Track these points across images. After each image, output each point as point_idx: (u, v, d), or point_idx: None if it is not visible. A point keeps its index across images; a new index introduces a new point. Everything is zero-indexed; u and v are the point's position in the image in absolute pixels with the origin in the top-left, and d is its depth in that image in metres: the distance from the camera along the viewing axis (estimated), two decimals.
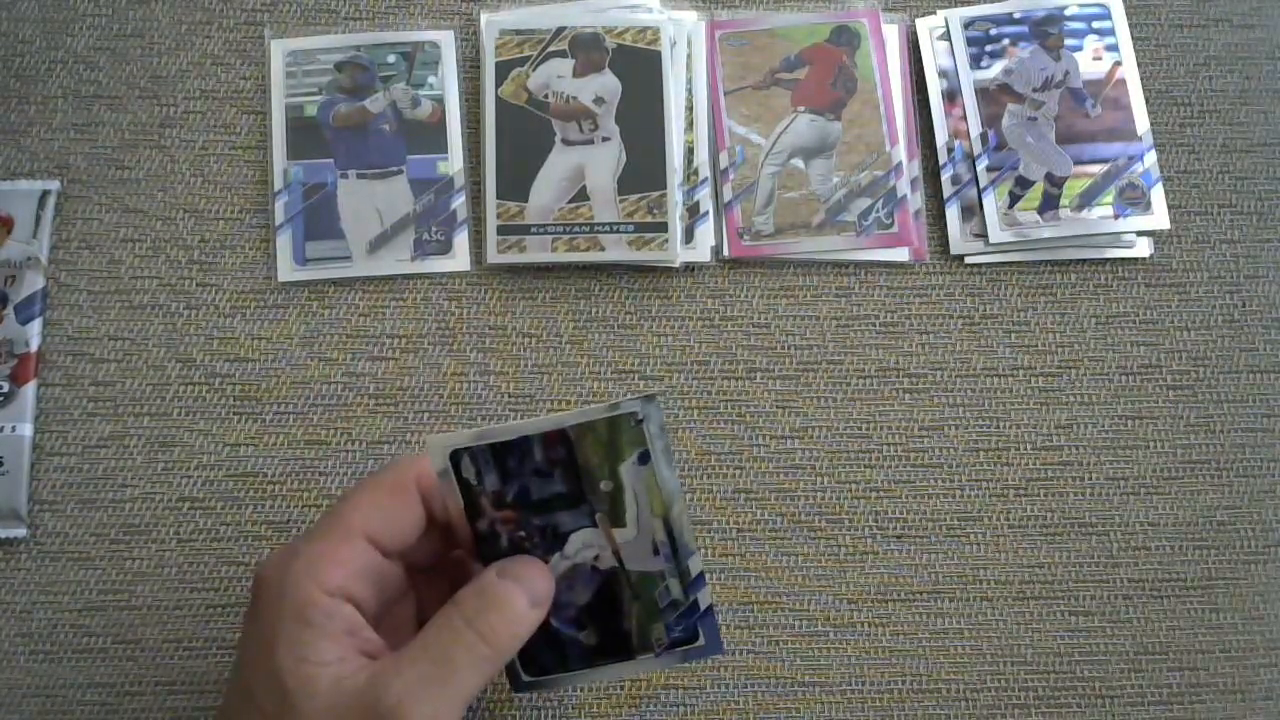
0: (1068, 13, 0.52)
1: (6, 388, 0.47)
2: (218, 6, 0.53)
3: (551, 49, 0.51)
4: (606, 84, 0.50)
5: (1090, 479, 0.48)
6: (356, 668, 0.30)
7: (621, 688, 0.45)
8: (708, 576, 0.39)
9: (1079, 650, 0.46)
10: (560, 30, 0.51)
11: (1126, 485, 0.48)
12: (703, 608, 0.36)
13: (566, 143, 0.50)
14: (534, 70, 0.51)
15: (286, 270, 0.49)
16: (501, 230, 0.49)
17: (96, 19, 0.53)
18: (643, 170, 0.50)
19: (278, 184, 0.50)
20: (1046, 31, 0.52)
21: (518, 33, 0.51)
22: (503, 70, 0.51)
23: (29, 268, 0.48)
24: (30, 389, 0.47)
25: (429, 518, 0.34)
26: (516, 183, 0.49)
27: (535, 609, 0.33)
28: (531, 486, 0.34)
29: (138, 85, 0.52)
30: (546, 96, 0.50)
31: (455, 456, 0.33)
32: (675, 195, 0.49)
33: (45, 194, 0.50)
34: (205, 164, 0.51)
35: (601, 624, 0.36)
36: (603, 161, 0.50)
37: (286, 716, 0.29)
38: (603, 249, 0.49)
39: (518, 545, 0.34)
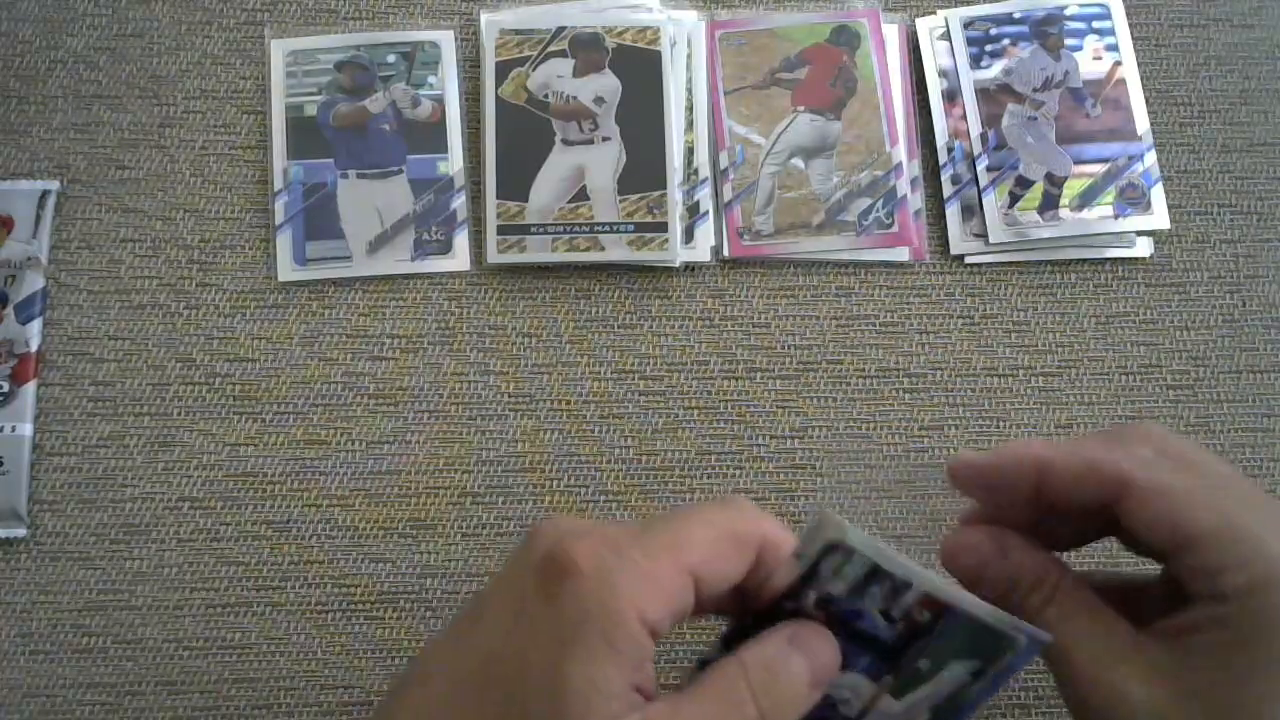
0: (1068, 12, 0.52)
1: (6, 388, 0.47)
2: (218, 6, 0.53)
3: (551, 49, 0.51)
4: (606, 84, 0.50)
5: None
6: (629, 706, 0.27)
7: None
8: None
9: None
10: (560, 30, 0.51)
11: None
12: None
13: (566, 143, 0.50)
14: (534, 70, 0.51)
15: (286, 270, 0.49)
16: (501, 230, 0.49)
17: (96, 19, 0.53)
18: (643, 170, 0.50)
19: (278, 184, 0.50)
20: (1046, 31, 0.52)
21: (518, 33, 0.51)
22: (503, 70, 0.51)
23: (29, 268, 0.48)
24: (30, 389, 0.47)
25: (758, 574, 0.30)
26: (516, 183, 0.49)
27: (815, 690, 0.29)
28: (866, 618, 0.30)
29: (138, 85, 0.52)
30: (546, 96, 0.50)
31: (830, 545, 0.29)
32: (675, 195, 0.49)
33: (45, 194, 0.50)
34: (205, 164, 0.51)
35: None
36: (603, 161, 0.50)
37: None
38: (603, 249, 0.49)
39: None
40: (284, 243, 0.49)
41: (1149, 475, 0.30)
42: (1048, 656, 0.32)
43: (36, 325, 0.48)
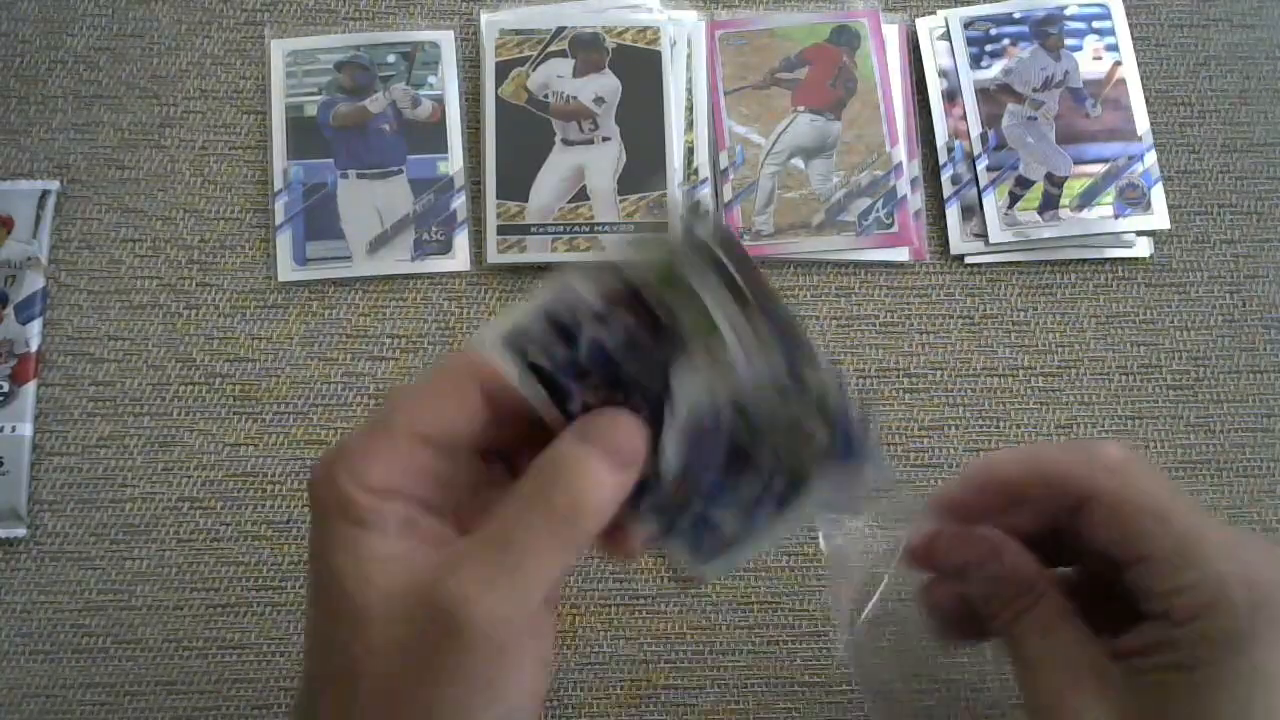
0: (1068, 12, 0.52)
1: (6, 388, 0.47)
2: (218, 6, 0.53)
3: (551, 49, 0.51)
4: (606, 84, 0.50)
5: None
6: (421, 561, 0.28)
7: (621, 688, 0.45)
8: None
9: None
10: (560, 30, 0.51)
11: None
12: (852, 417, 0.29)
13: (566, 143, 0.50)
14: (534, 70, 0.51)
15: (286, 270, 0.49)
16: (501, 230, 0.49)
17: (96, 19, 0.53)
18: (643, 170, 0.49)
19: (278, 184, 0.50)
20: (1046, 31, 0.52)
21: (518, 33, 0.51)
22: (503, 70, 0.51)
23: (29, 268, 0.48)
24: (30, 389, 0.47)
25: (499, 408, 0.30)
26: (516, 183, 0.49)
27: (623, 472, 0.28)
28: (607, 343, 0.28)
29: (138, 85, 0.52)
30: (546, 96, 0.50)
31: (518, 346, 0.28)
32: (675, 195, 0.49)
33: (45, 194, 0.50)
34: (205, 164, 0.51)
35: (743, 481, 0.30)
36: (603, 161, 0.50)
37: (349, 615, 0.27)
38: (603, 249, 0.49)
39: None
40: (284, 243, 0.49)
41: (1113, 486, 0.31)
42: (1015, 663, 0.32)
43: (36, 325, 0.48)
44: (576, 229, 0.49)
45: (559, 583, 0.30)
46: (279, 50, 0.52)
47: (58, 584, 0.46)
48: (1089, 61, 0.52)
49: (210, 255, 0.50)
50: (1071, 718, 0.30)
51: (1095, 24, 0.52)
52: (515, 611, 0.26)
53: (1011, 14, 0.53)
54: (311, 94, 0.51)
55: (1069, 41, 0.52)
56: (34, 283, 0.48)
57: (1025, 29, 0.52)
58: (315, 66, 0.51)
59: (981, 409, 0.49)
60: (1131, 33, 0.52)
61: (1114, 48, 0.52)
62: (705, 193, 0.50)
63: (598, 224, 0.49)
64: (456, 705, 0.27)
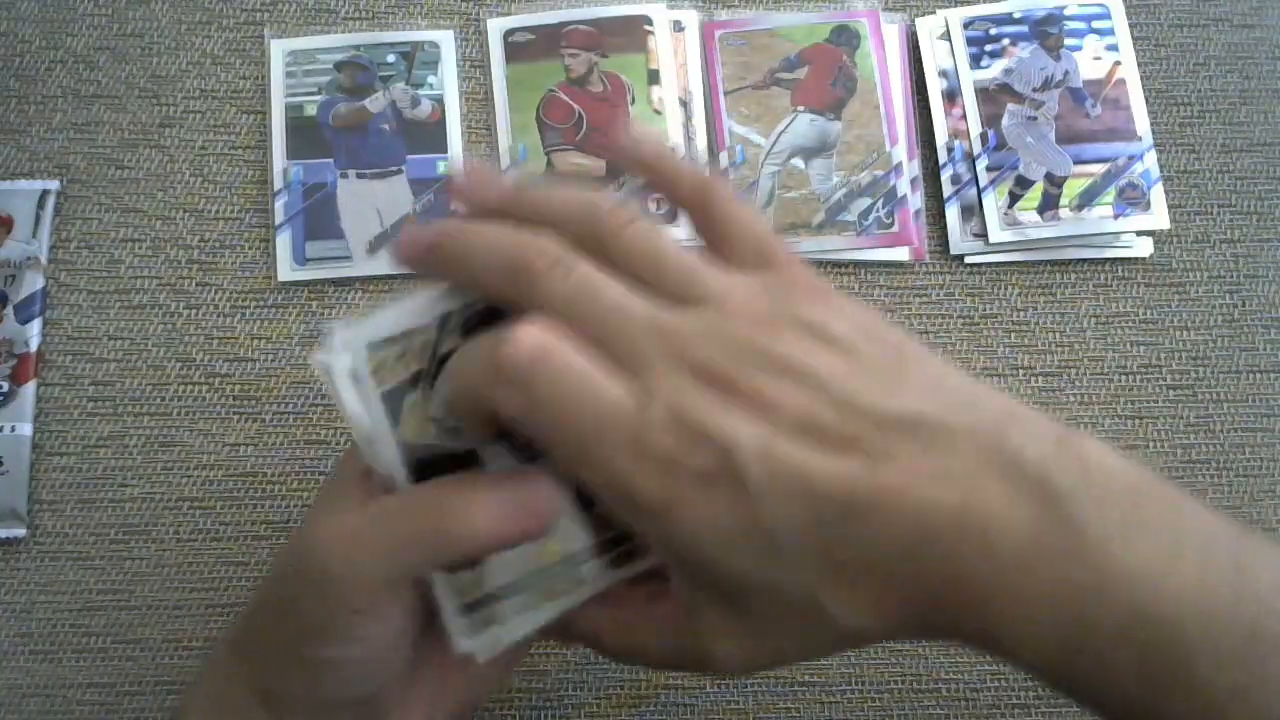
0: (1068, 12, 0.52)
1: (6, 388, 0.47)
2: (218, 6, 0.53)
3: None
4: None
5: None
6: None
7: (621, 687, 0.45)
8: None
9: None
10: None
11: None
12: None
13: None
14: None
15: (286, 270, 0.49)
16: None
17: (96, 19, 0.53)
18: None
19: (278, 184, 0.50)
20: (1046, 31, 0.52)
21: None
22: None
23: (29, 268, 0.48)
24: (30, 389, 0.47)
25: None
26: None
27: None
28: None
29: (138, 85, 0.52)
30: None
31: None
32: None
33: (45, 194, 0.50)
34: (205, 164, 0.51)
35: None
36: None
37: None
38: None
39: None
40: (284, 243, 0.49)
41: None
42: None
43: (36, 325, 0.48)
44: None
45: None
46: (279, 50, 0.52)
47: (58, 584, 0.46)
48: (1089, 61, 0.52)
49: (210, 255, 0.50)
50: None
51: (1095, 24, 0.52)
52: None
53: (1011, 14, 0.53)
54: (311, 94, 0.51)
55: (1069, 41, 0.52)
56: (34, 282, 0.48)
57: (1025, 29, 0.52)
58: (315, 66, 0.51)
59: None
60: (1131, 33, 0.52)
61: (1114, 48, 0.52)
62: None
63: None
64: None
